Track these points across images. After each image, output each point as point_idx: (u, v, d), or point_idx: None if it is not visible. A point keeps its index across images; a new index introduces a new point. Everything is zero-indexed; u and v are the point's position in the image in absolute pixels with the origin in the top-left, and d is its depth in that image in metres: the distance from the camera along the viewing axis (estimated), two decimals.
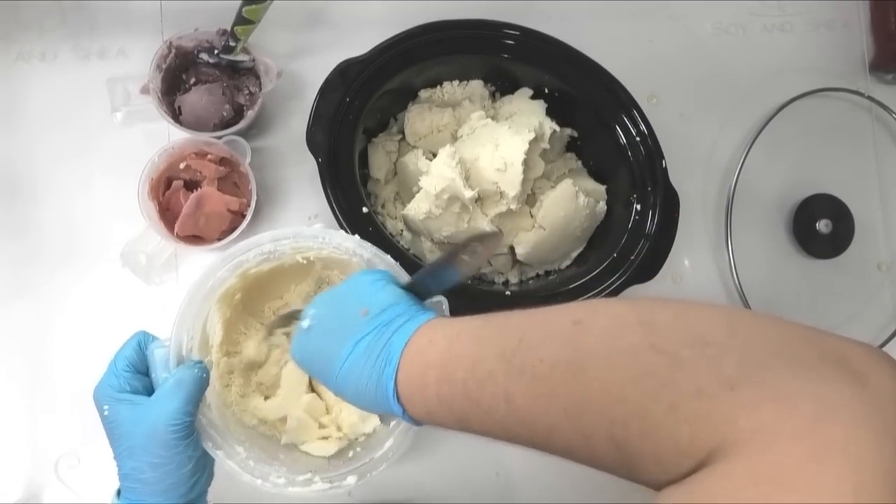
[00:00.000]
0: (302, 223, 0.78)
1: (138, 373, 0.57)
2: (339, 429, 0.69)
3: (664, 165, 0.74)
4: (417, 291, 0.53)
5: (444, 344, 0.46)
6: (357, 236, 0.61)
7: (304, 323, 0.52)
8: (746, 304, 0.81)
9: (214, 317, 0.65)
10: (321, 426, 0.69)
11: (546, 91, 0.77)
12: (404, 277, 0.59)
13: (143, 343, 0.58)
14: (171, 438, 0.53)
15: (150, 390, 0.56)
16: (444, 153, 0.69)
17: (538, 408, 0.40)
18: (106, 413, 0.55)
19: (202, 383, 0.55)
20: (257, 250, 0.60)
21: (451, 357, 0.45)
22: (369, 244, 0.61)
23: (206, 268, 0.59)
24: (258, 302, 0.69)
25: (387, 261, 0.60)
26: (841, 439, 0.31)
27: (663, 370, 0.35)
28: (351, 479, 0.59)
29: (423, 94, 0.78)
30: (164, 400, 0.54)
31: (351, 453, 0.64)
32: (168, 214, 0.74)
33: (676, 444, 0.34)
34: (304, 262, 0.65)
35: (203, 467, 0.56)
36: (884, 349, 0.82)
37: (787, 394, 0.32)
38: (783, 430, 0.31)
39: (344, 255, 0.61)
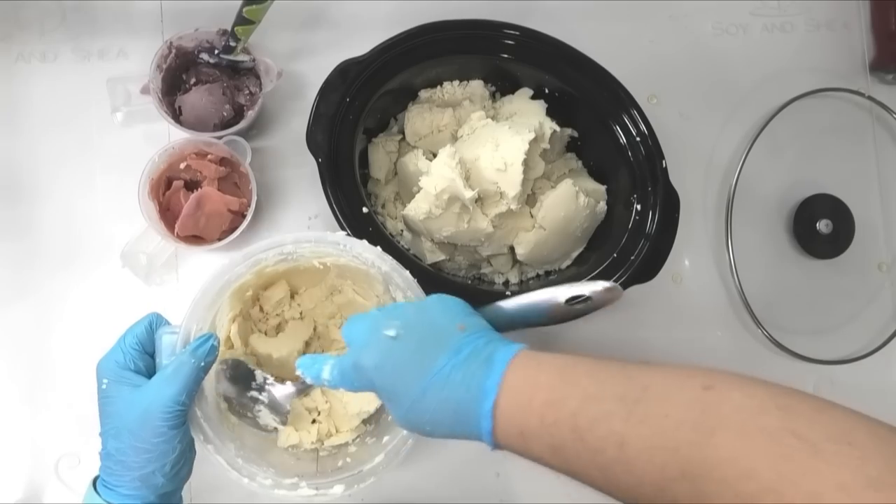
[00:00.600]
0: (302, 223, 0.78)
1: (145, 353, 0.57)
2: (333, 424, 0.69)
3: (664, 165, 0.74)
4: (493, 320, 0.54)
5: (557, 370, 0.45)
6: (379, 248, 0.61)
7: (390, 332, 0.51)
8: (746, 304, 0.81)
9: (224, 311, 0.65)
10: (314, 421, 0.69)
11: (546, 91, 0.77)
12: (419, 293, 0.60)
13: (154, 324, 0.58)
14: (161, 425, 0.53)
15: (152, 372, 0.57)
16: (445, 153, 0.69)
17: (654, 462, 0.39)
18: (104, 386, 0.55)
19: (200, 373, 0.55)
20: (277, 250, 0.60)
21: (563, 384, 0.44)
22: (390, 257, 0.61)
23: (225, 262, 0.60)
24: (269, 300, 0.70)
25: (405, 276, 0.61)
26: None
27: (804, 458, 0.35)
28: (338, 489, 0.59)
29: (424, 94, 0.78)
30: (161, 385, 0.54)
31: (340, 462, 0.64)
32: (168, 214, 0.74)
33: None
34: (321, 266, 0.65)
35: (185, 460, 0.56)
36: (884, 349, 0.83)
37: None
38: None
39: (362, 265, 0.62)
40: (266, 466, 0.60)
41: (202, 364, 0.55)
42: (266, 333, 0.70)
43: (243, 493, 0.58)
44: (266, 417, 0.64)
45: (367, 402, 0.68)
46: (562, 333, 0.78)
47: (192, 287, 0.75)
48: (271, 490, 0.58)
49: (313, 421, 0.69)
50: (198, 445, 0.58)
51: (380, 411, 0.69)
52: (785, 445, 0.35)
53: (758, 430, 0.37)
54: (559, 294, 0.54)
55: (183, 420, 0.55)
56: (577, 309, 0.53)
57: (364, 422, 0.69)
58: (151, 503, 0.54)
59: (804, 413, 0.37)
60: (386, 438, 0.62)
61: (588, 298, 0.54)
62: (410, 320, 0.52)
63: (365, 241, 0.61)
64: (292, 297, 0.71)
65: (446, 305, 0.53)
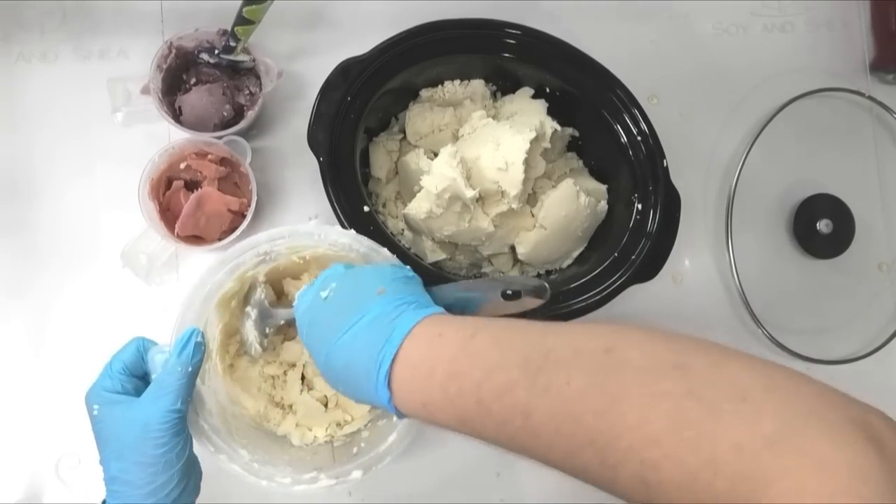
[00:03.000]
0: (302, 223, 0.78)
1: (133, 376, 0.56)
2: (345, 411, 0.69)
3: (665, 165, 0.74)
4: (437, 299, 0.53)
5: (458, 340, 0.45)
6: (353, 231, 0.61)
7: (324, 293, 0.52)
8: (747, 304, 0.81)
9: (213, 322, 0.65)
10: (326, 408, 0.69)
11: (547, 90, 0.77)
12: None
13: (140, 348, 0.57)
14: (162, 436, 0.52)
15: (141, 394, 0.55)
16: (446, 152, 0.69)
17: (560, 431, 0.39)
18: (96, 413, 0.54)
19: (191, 376, 0.55)
20: (253, 251, 0.60)
21: (465, 355, 0.44)
22: (366, 239, 0.61)
23: (204, 271, 0.59)
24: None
25: (383, 254, 0.60)
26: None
27: (703, 421, 0.35)
28: (357, 474, 0.59)
29: (425, 93, 0.78)
30: (154, 397, 0.53)
31: (355, 449, 0.64)
32: (168, 214, 0.74)
33: (715, 496, 0.34)
34: (300, 261, 0.65)
35: (191, 472, 0.55)
36: (884, 349, 0.83)
37: (823, 459, 0.33)
38: (821, 495, 0.32)
39: (341, 251, 0.61)
40: (283, 465, 0.60)
41: (189, 368, 0.55)
42: None
43: (263, 494, 0.58)
44: (250, 332, 0.64)
45: None
46: None
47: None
48: (291, 487, 0.57)
49: (325, 407, 0.69)
50: (209, 457, 0.57)
51: None
52: (685, 409, 0.36)
53: (659, 395, 0.37)
54: (496, 288, 0.53)
55: (183, 427, 0.54)
56: (509, 305, 0.53)
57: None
58: None
59: (700, 370, 0.37)
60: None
61: (519, 293, 0.53)
62: (343, 283, 0.52)
63: (338, 227, 0.60)
64: (279, 298, 0.70)
65: (381, 271, 0.53)
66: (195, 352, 0.55)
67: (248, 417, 0.68)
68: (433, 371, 0.45)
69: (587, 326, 0.43)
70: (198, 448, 0.57)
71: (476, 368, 0.43)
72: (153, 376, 0.57)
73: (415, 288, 0.52)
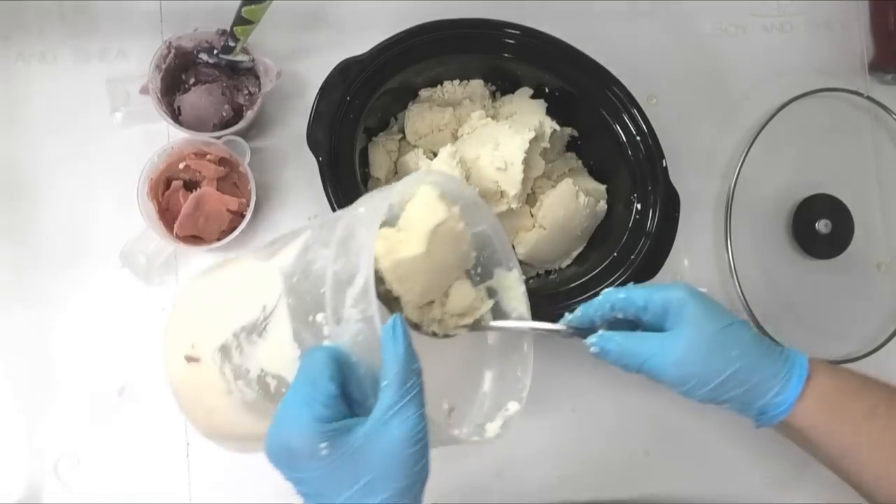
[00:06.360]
0: (302, 223, 0.78)
1: (343, 394, 0.45)
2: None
3: (664, 165, 0.74)
4: None
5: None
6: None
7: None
8: (746, 304, 0.81)
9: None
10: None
11: (546, 90, 0.77)
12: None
13: (337, 356, 0.45)
14: (418, 449, 0.44)
15: (351, 404, 0.46)
16: (445, 152, 0.69)
17: None
18: (324, 454, 0.43)
19: (417, 372, 0.44)
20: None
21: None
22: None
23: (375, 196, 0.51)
24: None
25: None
26: None
27: None
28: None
29: (424, 93, 0.78)
30: (393, 411, 0.43)
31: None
32: (167, 214, 0.74)
33: None
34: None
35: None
36: (883, 349, 0.83)
37: None
38: None
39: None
40: None
41: (414, 365, 0.44)
42: None
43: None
44: None
45: None
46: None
47: None
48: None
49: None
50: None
51: None
52: None
53: None
54: None
55: (426, 434, 0.44)
56: None
57: None
58: None
59: None
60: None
61: None
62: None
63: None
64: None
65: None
66: (405, 340, 0.44)
67: None
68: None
69: None
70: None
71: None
72: (389, 348, 0.44)
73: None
